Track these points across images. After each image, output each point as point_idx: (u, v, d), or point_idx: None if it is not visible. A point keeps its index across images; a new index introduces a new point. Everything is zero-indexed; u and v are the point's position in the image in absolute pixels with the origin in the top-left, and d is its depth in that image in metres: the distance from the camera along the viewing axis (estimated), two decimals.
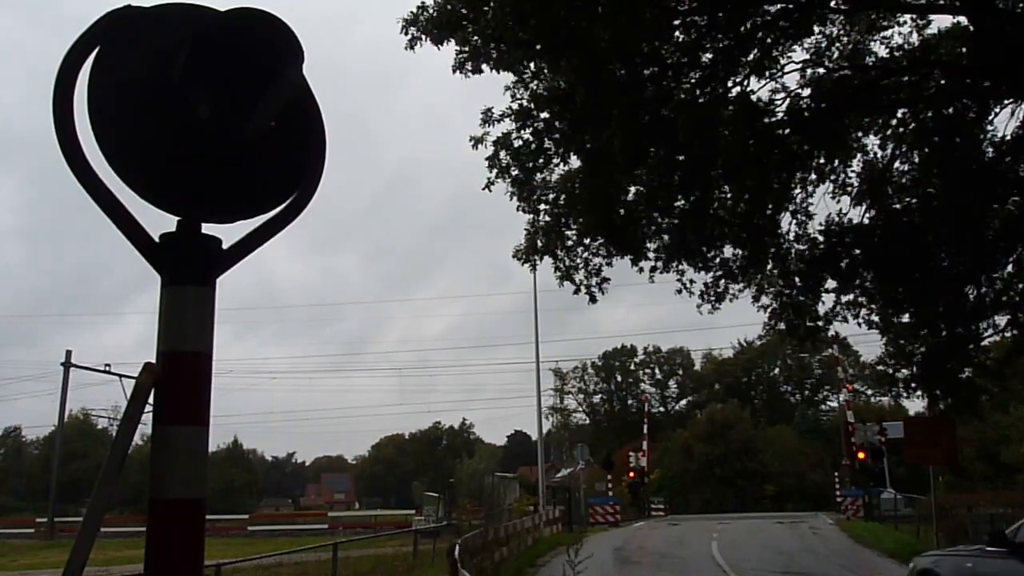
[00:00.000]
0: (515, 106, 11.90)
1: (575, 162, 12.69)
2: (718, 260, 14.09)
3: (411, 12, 11.17)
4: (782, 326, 15.15)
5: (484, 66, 11.29)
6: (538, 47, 10.60)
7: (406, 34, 11.22)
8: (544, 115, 11.94)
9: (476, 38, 10.94)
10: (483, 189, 12.53)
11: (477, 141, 12.23)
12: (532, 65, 11.38)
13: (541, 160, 12.51)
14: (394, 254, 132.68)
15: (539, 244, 13.64)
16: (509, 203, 13.17)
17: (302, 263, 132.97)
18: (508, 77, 11.85)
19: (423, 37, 11.12)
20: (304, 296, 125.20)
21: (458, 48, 11.19)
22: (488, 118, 12.01)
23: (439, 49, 11.22)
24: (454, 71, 11.39)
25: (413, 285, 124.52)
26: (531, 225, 13.58)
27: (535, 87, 11.85)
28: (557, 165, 12.80)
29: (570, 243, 13.66)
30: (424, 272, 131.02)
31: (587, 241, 13.59)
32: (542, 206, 13.42)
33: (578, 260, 13.72)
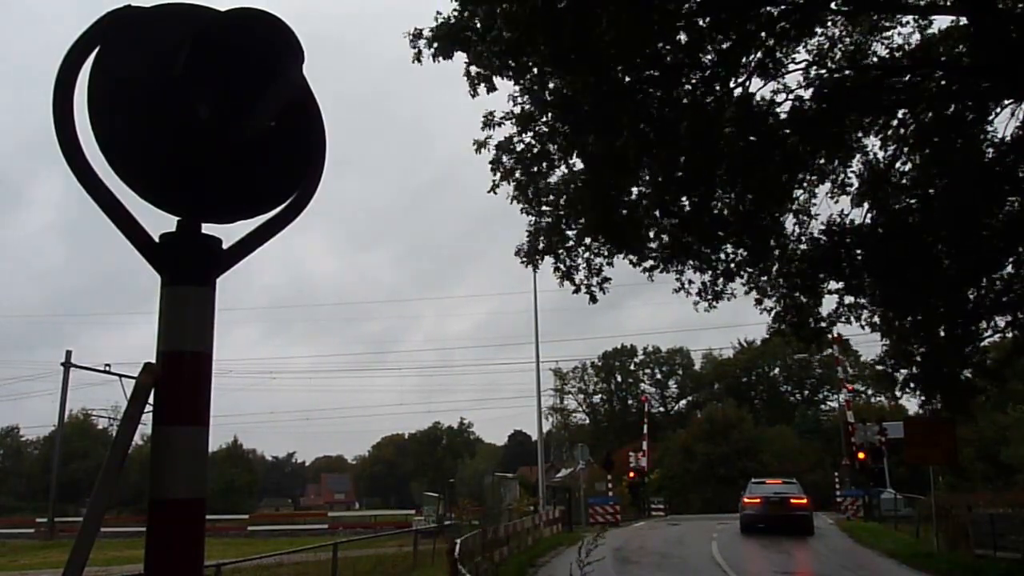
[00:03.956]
0: (516, 110, 11.91)
1: (576, 163, 12.69)
2: (719, 259, 14.09)
3: (416, 28, 11.20)
4: (785, 327, 15.15)
5: (496, 78, 11.25)
6: (545, 57, 10.57)
7: (413, 47, 11.21)
8: (547, 118, 11.94)
9: (482, 50, 10.92)
10: (488, 192, 12.60)
11: (480, 145, 12.24)
12: (537, 73, 11.35)
13: (544, 164, 12.53)
14: (431, 251, 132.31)
15: (540, 245, 13.65)
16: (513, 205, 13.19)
17: (339, 260, 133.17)
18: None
19: (430, 51, 11.11)
20: (338, 294, 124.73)
21: (467, 61, 11.19)
22: (489, 122, 12.00)
23: (444, 62, 11.18)
24: (466, 78, 11.37)
25: (445, 283, 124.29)
26: (532, 226, 13.59)
27: (538, 92, 11.85)
28: (559, 168, 12.82)
29: (570, 243, 13.66)
30: (458, 270, 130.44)
31: (588, 241, 13.58)
32: (544, 208, 13.42)
33: (579, 260, 13.71)
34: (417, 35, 11.19)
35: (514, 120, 11.92)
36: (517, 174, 12.52)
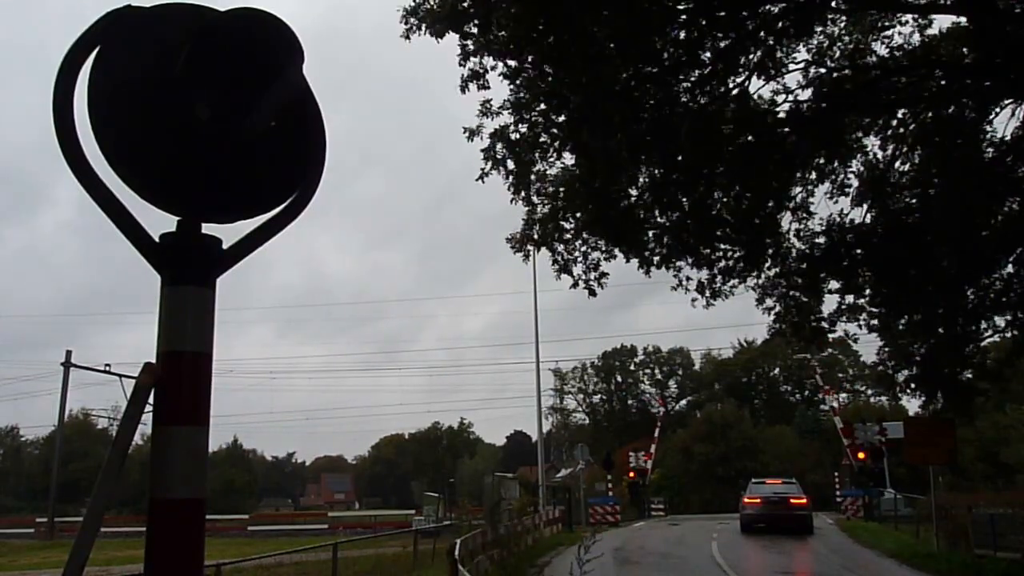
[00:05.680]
0: (513, 99, 11.82)
1: (570, 157, 12.63)
2: (717, 258, 14.06)
3: (412, 3, 11.09)
4: (785, 327, 15.14)
5: (489, 74, 11.22)
6: (540, 50, 10.52)
7: (406, 24, 11.12)
8: (541, 107, 11.84)
9: (479, 39, 10.88)
10: (477, 180, 12.46)
11: (472, 133, 12.12)
12: (531, 65, 11.31)
13: (537, 153, 12.44)
14: (447, 251, 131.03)
15: (535, 236, 13.56)
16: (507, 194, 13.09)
17: (356, 259, 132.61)
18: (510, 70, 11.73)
19: (423, 28, 11.01)
20: (353, 293, 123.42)
21: (460, 44, 11.12)
22: (486, 110, 11.93)
23: (439, 42, 11.07)
24: (460, 64, 11.30)
25: (459, 283, 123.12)
26: (527, 216, 13.52)
27: (532, 81, 11.75)
28: (554, 160, 12.73)
29: (568, 236, 13.56)
30: (472, 270, 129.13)
31: (585, 235, 13.52)
32: (538, 198, 13.32)
33: (576, 253, 13.62)
34: (412, 12, 11.11)
35: (511, 109, 11.84)
36: (510, 163, 12.40)
